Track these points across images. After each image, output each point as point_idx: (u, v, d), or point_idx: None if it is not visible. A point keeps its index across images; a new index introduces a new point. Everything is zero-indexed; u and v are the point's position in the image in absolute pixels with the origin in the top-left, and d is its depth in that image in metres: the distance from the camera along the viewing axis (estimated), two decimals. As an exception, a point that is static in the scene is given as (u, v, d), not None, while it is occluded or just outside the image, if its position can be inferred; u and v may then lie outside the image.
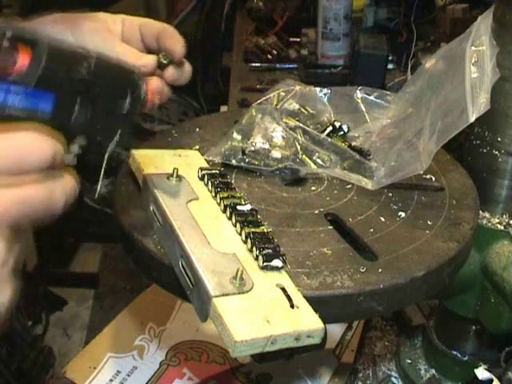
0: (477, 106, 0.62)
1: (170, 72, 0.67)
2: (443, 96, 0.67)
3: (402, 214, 0.65)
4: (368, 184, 0.68)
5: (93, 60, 0.47)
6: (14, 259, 0.41)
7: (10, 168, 0.40)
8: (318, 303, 0.50)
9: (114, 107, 0.51)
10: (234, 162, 0.71)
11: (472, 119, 0.61)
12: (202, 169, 0.66)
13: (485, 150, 0.74)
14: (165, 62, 0.67)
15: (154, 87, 0.65)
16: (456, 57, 0.67)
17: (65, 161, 0.45)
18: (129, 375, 0.91)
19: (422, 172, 0.66)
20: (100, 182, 0.52)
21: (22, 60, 0.43)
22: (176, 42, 0.67)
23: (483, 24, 0.67)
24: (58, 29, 0.66)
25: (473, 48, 0.66)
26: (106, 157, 0.53)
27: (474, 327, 0.82)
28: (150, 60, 0.66)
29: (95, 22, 0.68)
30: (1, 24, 0.41)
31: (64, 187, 0.43)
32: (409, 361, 0.90)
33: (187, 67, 0.69)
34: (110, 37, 0.67)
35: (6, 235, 0.40)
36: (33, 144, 0.41)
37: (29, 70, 0.43)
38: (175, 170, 0.64)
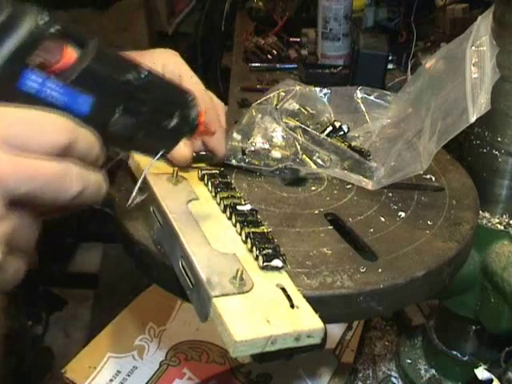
0: (477, 107, 0.62)
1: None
2: (443, 96, 0.67)
3: (402, 214, 0.65)
4: (368, 184, 0.68)
5: (144, 71, 0.47)
6: (12, 227, 0.40)
7: (19, 138, 0.39)
8: (317, 303, 0.50)
9: (160, 121, 0.49)
10: (234, 162, 0.71)
11: (472, 119, 0.61)
12: (201, 169, 0.66)
13: (485, 150, 0.74)
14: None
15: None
16: (456, 57, 0.67)
17: (97, 161, 0.45)
18: (129, 375, 0.91)
19: (421, 172, 0.66)
20: (134, 193, 0.53)
21: (67, 57, 0.42)
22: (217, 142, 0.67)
23: (483, 24, 0.67)
24: None
25: (473, 48, 0.66)
26: (146, 169, 0.54)
27: (473, 327, 0.82)
28: (186, 153, 0.65)
29: None
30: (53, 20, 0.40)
31: (84, 176, 0.42)
32: (409, 361, 0.90)
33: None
34: None
35: None
36: (49, 123, 0.40)
37: (71, 68, 0.42)
38: (175, 170, 0.64)
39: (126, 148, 0.51)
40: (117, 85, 0.45)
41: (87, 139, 0.43)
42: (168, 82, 0.50)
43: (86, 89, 0.43)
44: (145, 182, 0.63)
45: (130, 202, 0.53)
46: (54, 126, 0.40)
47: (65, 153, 0.41)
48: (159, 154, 0.52)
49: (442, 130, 0.64)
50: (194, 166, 0.67)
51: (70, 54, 0.42)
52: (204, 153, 0.68)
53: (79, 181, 0.42)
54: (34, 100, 0.41)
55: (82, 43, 0.43)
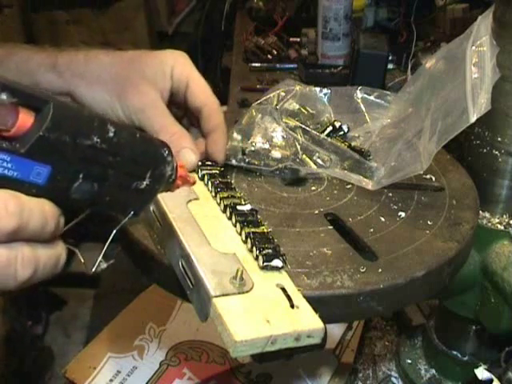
0: (477, 107, 0.61)
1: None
2: (443, 96, 0.67)
3: (402, 214, 0.65)
4: (368, 184, 0.68)
5: (112, 129, 0.42)
6: None
7: None
8: (318, 303, 0.50)
9: (129, 183, 0.45)
10: (234, 161, 0.71)
11: (473, 120, 0.61)
12: (201, 169, 0.66)
13: (485, 150, 0.74)
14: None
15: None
16: (456, 57, 0.67)
17: (54, 233, 0.42)
18: (129, 375, 0.91)
19: (422, 172, 0.66)
20: (100, 258, 0.48)
21: (22, 123, 0.38)
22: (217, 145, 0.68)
23: (483, 24, 0.67)
24: (107, 96, 0.65)
25: (473, 48, 0.66)
26: (113, 232, 0.48)
27: (474, 327, 0.82)
28: (192, 159, 0.65)
29: (144, 94, 0.65)
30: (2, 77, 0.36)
31: (35, 257, 0.40)
32: (409, 361, 0.90)
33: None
34: (157, 118, 0.66)
35: None
36: None
37: (25, 136, 0.38)
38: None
39: (92, 209, 0.46)
40: (78, 151, 0.40)
41: (39, 217, 0.40)
42: (141, 136, 0.45)
43: (42, 158, 0.39)
44: None
45: (94, 268, 0.49)
46: None
47: (13, 237, 0.38)
48: (128, 216, 0.47)
49: (442, 130, 0.64)
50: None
51: (26, 120, 0.38)
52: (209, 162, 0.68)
53: (29, 265, 0.40)
54: None
55: (38, 107, 0.38)
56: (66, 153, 0.39)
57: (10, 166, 0.38)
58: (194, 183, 0.57)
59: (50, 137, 0.38)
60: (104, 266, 0.48)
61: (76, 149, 0.40)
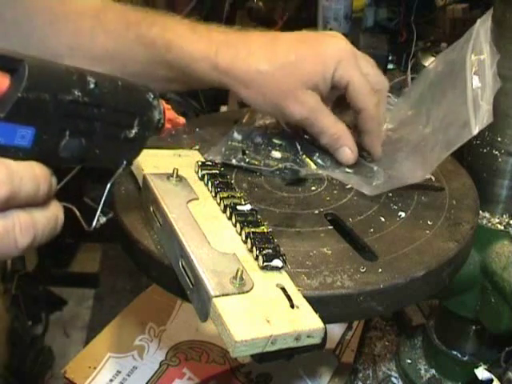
0: (479, 119, 0.61)
1: None
2: (445, 105, 0.67)
3: (402, 214, 0.65)
4: (367, 189, 0.67)
5: (92, 79, 0.41)
6: None
7: None
8: (318, 303, 0.50)
9: (118, 132, 0.44)
10: (234, 161, 0.71)
11: (475, 133, 0.61)
12: (201, 168, 0.66)
13: (485, 150, 0.74)
14: None
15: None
16: (456, 63, 0.67)
17: (48, 194, 0.41)
18: (129, 375, 0.91)
19: (422, 180, 0.66)
20: (98, 212, 0.47)
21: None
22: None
23: (482, 29, 0.67)
24: (268, 107, 0.69)
25: (473, 57, 0.65)
26: (108, 185, 0.48)
27: (474, 327, 0.82)
28: (350, 159, 0.70)
29: (304, 103, 0.67)
30: None
31: (33, 222, 0.39)
32: (409, 361, 0.90)
33: None
34: (317, 122, 0.68)
35: None
36: None
37: (2, 100, 0.37)
38: (175, 170, 0.64)
39: (83, 165, 0.45)
40: (60, 108, 0.39)
41: (31, 181, 0.39)
42: (124, 84, 0.44)
43: (24, 120, 0.37)
44: (145, 181, 0.63)
45: (94, 223, 0.48)
46: None
47: (7, 205, 0.38)
48: (122, 167, 0.47)
49: (445, 141, 0.64)
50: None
51: (1, 83, 0.37)
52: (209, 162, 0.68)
53: (27, 231, 0.39)
54: None
55: (12, 68, 0.37)
56: (48, 111, 0.38)
57: None
58: (183, 124, 0.57)
59: (29, 97, 0.37)
60: (103, 220, 0.48)
61: (58, 106, 0.39)
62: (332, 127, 0.68)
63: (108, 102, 0.42)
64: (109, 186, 0.47)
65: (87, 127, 0.41)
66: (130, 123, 0.45)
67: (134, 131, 0.45)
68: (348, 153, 0.70)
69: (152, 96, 0.47)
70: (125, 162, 0.47)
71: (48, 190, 0.41)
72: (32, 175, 0.39)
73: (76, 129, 0.41)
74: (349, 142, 0.69)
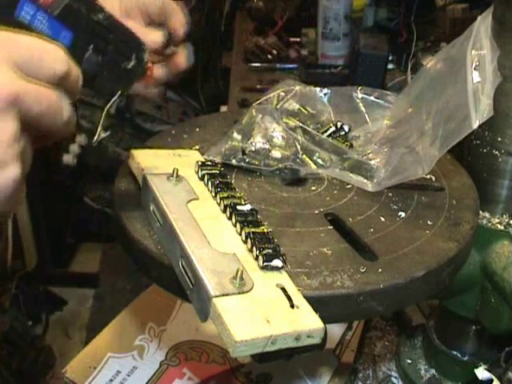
0: (479, 113, 0.61)
1: (178, 57, 0.68)
2: (445, 100, 0.67)
3: (402, 214, 0.65)
4: (368, 186, 0.68)
5: (108, 12, 0.51)
6: (22, 148, 0.42)
7: (28, 63, 0.42)
8: (317, 303, 0.50)
9: (120, 61, 0.54)
10: (234, 161, 0.71)
11: (475, 126, 0.61)
12: (201, 168, 0.66)
13: (485, 150, 0.74)
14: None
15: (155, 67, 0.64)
16: (457, 59, 0.67)
17: (76, 96, 0.48)
18: (129, 375, 0.91)
19: (423, 176, 0.66)
20: (100, 128, 0.56)
21: None
22: (178, 20, 0.67)
23: (483, 26, 0.67)
24: None
25: (473, 52, 0.65)
26: (106, 107, 0.57)
27: (474, 327, 0.82)
28: (157, 36, 0.66)
29: None
30: None
31: (71, 106, 0.45)
32: (409, 361, 0.90)
33: (188, 50, 0.69)
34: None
35: (17, 117, 0.41)
36: (52, 52, 0.44)
37: (55, 3, 0.47)
38: (175, 170, 0.64)
39: (89, 88, 0.54)
40: (90, 23, 0.50)
41: (76, 71, 0.46)
42: (125, 25, 0.55)
43: (67, 24, 0.48)
44: (145, 181, 0.63)
45: (95, 138, 0.56)
46: (55, 56, 0.44)
47: (60, 82, 0.44)
48: (117, 94, 0.56)
49: (444, 135, 0.64)
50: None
51: None
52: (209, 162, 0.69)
53: (70, 110, 0.45)
54: (27, 30, 0.45)
55: None
56: (82, 23, 0.49)
57: (46, 25, 0.47)
58: (152, 81, 0.66)
59: (73, 6, 0.48)
60: (103, 135, 0.56)
61: (88, 22, 0.50)
62: None
63: (117, 31, 0.53)
64: (106, 108, 0.56)
65: (103, 47, 0.51)
66: (129, 56, 0.55)
67: (131, 63, 0.55)
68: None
69: (143, 41, 0.57)
70: (119, 92, 0.56)
71: (79, 88, 0.48)
72: (76, 69, 0.46)
73: (96, 46, 0.51)
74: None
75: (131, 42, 0.55)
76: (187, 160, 0.69)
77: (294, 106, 0.80)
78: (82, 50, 0.50)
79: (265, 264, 0.52)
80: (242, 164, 0.71)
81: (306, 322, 0.48)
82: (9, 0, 0.45)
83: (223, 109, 1.76)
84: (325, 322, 0.48)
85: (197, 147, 0.75)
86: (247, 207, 0.60)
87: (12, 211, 0.45)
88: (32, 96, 0.42)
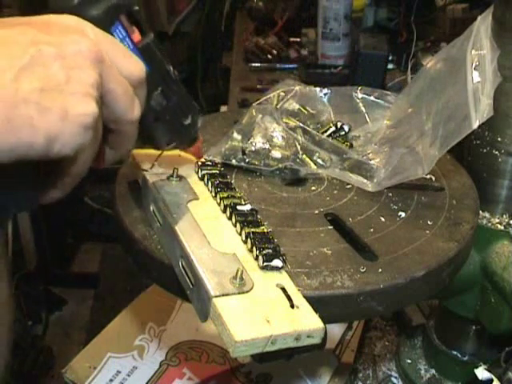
0: (479, 113, 0.61)
1: None
2: (445, 100, 0.67)
3: (402, 214, 0.65)
4: (368, 186, 0.68)
5: (175, 71, 0.56)
6: (98, 117, 0.44)
7: (115, 56, 0.47)
8: (317, 303, 0.50)
9: (180, 115, 0.58)
10: (234, 161, 0.71)
11: (475, 126, 0.61)
12: (201, 169, 0.66)
13: (485, 150, 0.74)
14: None
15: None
16: (457, 59, 0.67)
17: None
18: (129, 375, 0.91)
19: (423, 176, 0.66)
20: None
21: (135, 36, 0.53)
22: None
23: (483, 26, 0.67)
24: None
25: (473, 52, 0.65)
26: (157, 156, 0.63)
27: (474, 327, 0.82)
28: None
29: None
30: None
31: (139, 112, 0.50)
32: (409, 361, 0.90)
33: None
34: None
35: (100, 76, 0.44)
36: (135, 59, 0.50)
37: (139, 42, 0.53)
38: (175, 170, 0.64)
39: (150, 129, 0.57)
40: (163, 68, 0.55)
41: (146, 90, 0.51)
42: (185, 89, 0.59)
43: (146, 59, 0.52)
44: (145, 181, 0.63)
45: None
46: (137, 63, 0.50)
47: (136, 86, 0.49)
48: (171, 145, 0.59)
49: (444, 135, 0.64)
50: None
51: (137, 35, 0.53)
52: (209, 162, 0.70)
53: (139, 111, 0.49)
54: None
55: (144, 32, 0.53)
56: (157, 64, 0.54)
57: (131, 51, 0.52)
58: (199, 157, 0.68)
59: (152, 48, 0.54)
60: None
61: (161, 66, 0.55)
62: None
63: (181, 88, 0.57)
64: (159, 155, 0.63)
65: (169, 94, 0.56)
66: (187, 114, 0.59)
67: (188, 121, 0.59)
68: None
69: (198, 108, 0.60)
70: (174, 144, 0.59)
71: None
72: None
73: (164, 90, 0.55)
74: None
75: (189, 102, 0.59)
76: (187, 160, 0.69)
77: (294, 105, 0.80)
78: (152, 86, 0.53)
79: (265, 264, 0.52)
80: (242, 164, 0.71)
81: (305, 321, 0.48)
82: (110, 16, 0.51)
83: (223, 109, 1.77)
84: (325, 322, 0.48)
85: (197, 147, 0.75)
86: (247, 207, 0.60)
87: (77, 161, 0.47)
88: (113, 73, 0.46)
